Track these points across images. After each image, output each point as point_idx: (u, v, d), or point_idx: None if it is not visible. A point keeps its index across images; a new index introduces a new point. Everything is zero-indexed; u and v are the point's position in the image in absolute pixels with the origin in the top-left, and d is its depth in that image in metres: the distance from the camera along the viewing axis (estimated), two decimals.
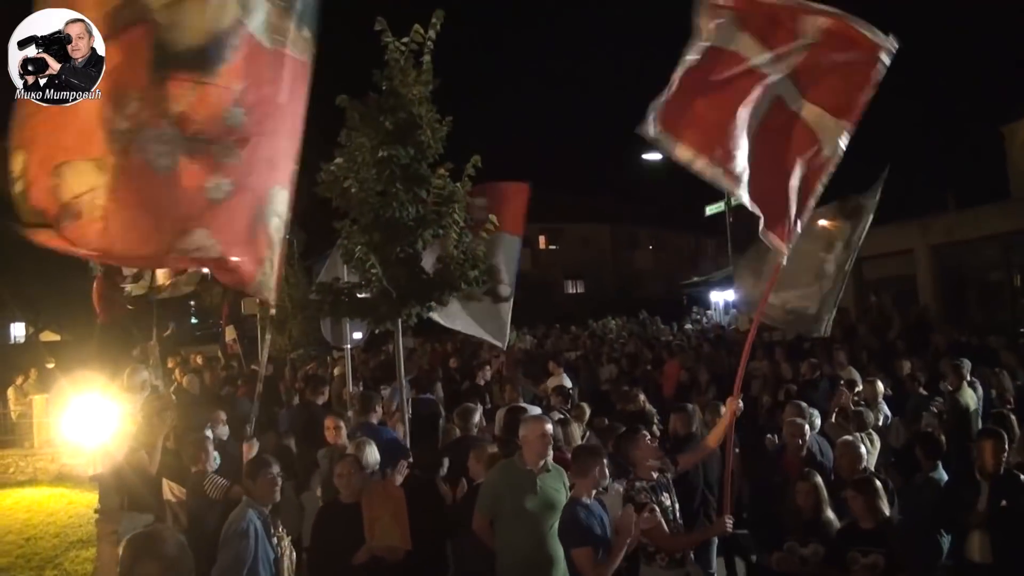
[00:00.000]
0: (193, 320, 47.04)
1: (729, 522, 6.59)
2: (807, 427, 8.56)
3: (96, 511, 9.65)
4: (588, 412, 10.62)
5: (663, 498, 6.60)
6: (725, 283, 35.87)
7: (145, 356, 11.55)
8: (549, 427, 6.91)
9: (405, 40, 9.11)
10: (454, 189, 9.46)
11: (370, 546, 6.56)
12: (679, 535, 6.64)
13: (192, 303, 33.31)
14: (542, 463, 6.75)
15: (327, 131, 9.42)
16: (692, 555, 6.76)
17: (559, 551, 6.47)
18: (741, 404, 6.91)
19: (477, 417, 9.46)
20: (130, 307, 11.25)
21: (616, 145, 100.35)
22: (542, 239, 60.86)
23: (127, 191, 5.28)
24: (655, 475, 6.72)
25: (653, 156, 36.73)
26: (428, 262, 9.47)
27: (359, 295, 9.61)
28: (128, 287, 11.06)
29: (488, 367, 16.91)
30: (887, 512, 6.73)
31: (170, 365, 23.06)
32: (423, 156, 9.29)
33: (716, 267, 46.23)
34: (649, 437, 7.01)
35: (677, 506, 6.75)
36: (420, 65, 9.25)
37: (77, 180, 5.14)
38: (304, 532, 8.03)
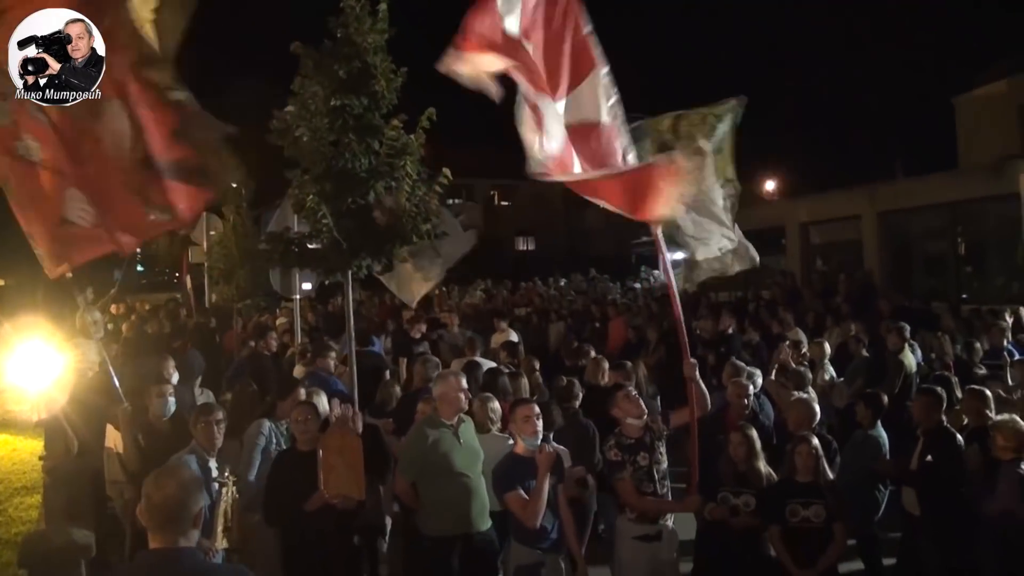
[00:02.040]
0: (139, 268, 46.40)
1: (698, 499, 6.69)
2: (751, 387, 8.68)
3: (41, 458, 9.56)
4: (536, 364, 10.62)
5: (639, 457, 6.68)
6: (674, 243, 36.01)
7: (97, 299, 11.38)
8: (464, 382, 7.04)
9: None
10: (407, 141, 9.38)
11: (323, 493, 6.58)
12: (648, 498, 6.69)
13: (139, 251, 32.82)
14: (457, 417, 6.89)
15: (280, 78, 9.30)
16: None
17: (485, 499, 6.65)
18: (695, 361, 6.98)
19: (438, 369, 9.44)
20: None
21: None
22: (495, 195, 60.73)
23: None
24: (639, 433, 6.80)
25: None
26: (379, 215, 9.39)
27: (309, 245, 9.54)
28: None
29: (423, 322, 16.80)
30: (828, 469, 6.93)
31: (113, 312, 22.79)
32: (377, 107, 9.18)
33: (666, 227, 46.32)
34: (632, 393, 7.08)
35: (662, 465, 6.80)
36: (376, 13, 9.11)
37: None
38: None
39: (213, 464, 6.50)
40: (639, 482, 6.64)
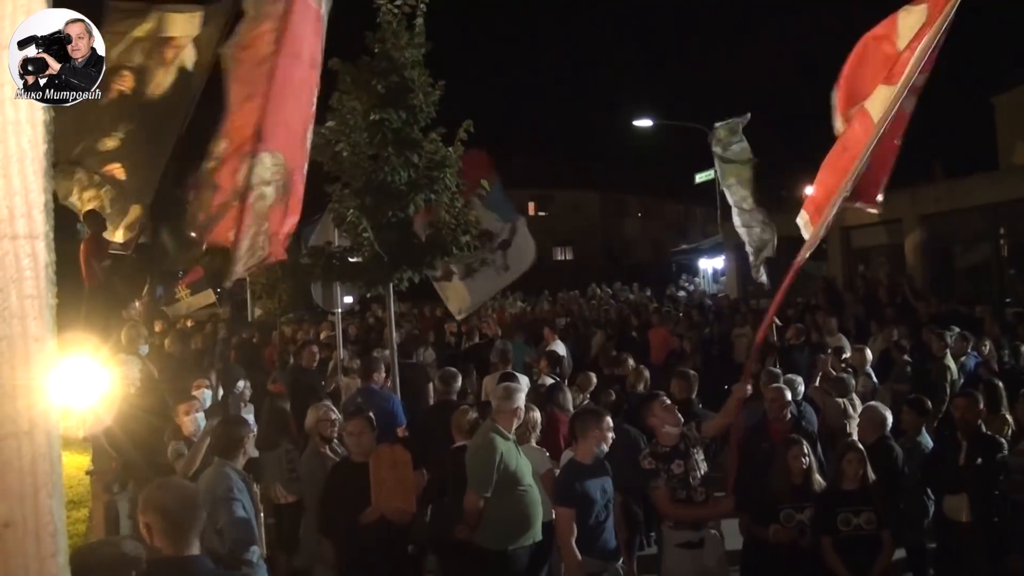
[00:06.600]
0: None
1: (733, 501, 6.59)
2: (788, 393, 8.54)
3: (88, 472, 9.67)
4: (594, 381, 10.38)
5: (673, 465, 6.61)
6: (714, 250, 35.88)
7: (140, 315, 11.50)
8: (522, 394, 7.12)
9: (398, 2, 9.07)
10: (446, 154, 9.46)
11: (377, 506, 6.59)
12: (684, 506, 6.59)
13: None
14: (514, 428, 6.93)
15: (319, 94, 9.38)
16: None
17: (541, 508, 6.66)
18: (749, 389, 6.90)
19: (459, 381, 9.42)
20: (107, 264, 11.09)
21: (607, 112, 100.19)
22: (531, 205, 60.56)
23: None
24: (674, 440, 6.73)
25: (643, 123, 36.60)
26: (419, 227, 9.46)
27: (350, 259, 9.63)
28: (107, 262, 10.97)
29: (476, 331, 16.94)
30: (871, 472, 6.83)
31: (157, 329, 22.99)
32: (415, 120, 9.27)
33: (704, 235, 46.31)
34: (667, 401, 7.04)
35: (697, 472, 6.69)
36: (413, 28, 9.21)
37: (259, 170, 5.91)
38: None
39: None
40: (672, 490, 6.57)
